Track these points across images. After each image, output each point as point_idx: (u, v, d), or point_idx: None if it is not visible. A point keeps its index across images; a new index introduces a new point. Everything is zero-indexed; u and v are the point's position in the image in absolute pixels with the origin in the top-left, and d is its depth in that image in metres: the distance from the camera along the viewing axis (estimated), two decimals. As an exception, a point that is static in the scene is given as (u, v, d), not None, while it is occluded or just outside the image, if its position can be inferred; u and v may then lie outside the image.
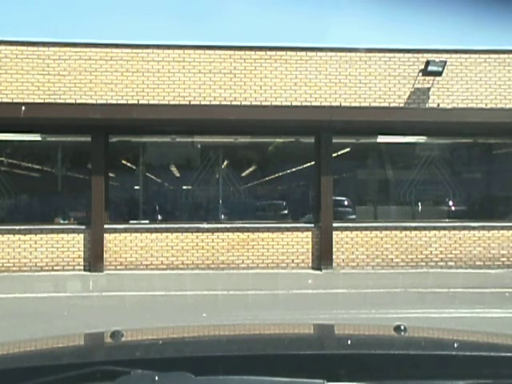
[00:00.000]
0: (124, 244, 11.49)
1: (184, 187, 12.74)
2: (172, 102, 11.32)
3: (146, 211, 12.52)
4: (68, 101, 11.13)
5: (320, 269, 11.58)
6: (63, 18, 32.87)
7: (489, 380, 1.46)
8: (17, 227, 11.30)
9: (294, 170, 12.90)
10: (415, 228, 11.99)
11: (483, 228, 12.06)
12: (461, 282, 10.40)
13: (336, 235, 11.75)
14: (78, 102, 11.14)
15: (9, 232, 11.27)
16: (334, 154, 12.03)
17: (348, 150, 12.76)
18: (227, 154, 12.73)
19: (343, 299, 8.62)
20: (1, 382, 1.41)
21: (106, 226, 11.42)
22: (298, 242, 11.76)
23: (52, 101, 11.07)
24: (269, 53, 11.60)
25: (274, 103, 11.47)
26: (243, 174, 12.92)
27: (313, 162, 12.13)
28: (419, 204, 12.92)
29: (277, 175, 13.05)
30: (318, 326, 2.58)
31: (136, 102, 11.27)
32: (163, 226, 11.75)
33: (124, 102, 11.24)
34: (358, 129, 11.78)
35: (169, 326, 2.36)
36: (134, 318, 6.57)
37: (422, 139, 12.64)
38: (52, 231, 11.43)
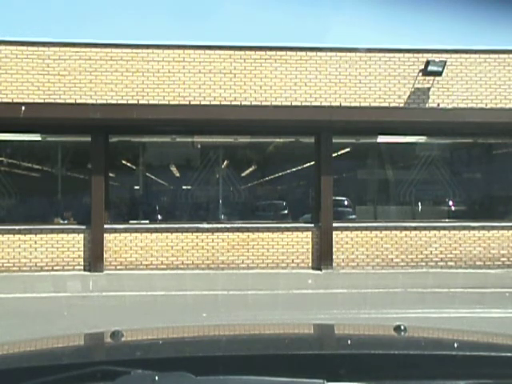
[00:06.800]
0: (124, 244, 11.49)
1: (184, 187, 12.73)
2: (172, 102, 11.32)
3: (146, 211, 12.51)
4: (68, 101, 11.13)
5: (320, 269, 11.58)
6: (63, 18, 32.86)
7: (489, 380, 1.46)
8: (17, 227, 11.30)
9: (294, 169, 12.89)
10: (415, 228, 11.99)
11: (483, 228, 12.06)
12: (461, 282, 10.39)
13: (336, 235, 11.75)
14: (77, 102, 11.13)
15: (9, 232, 11.27)
16: (334, 154, 12.02)
17: (348, 149, 12.76)
18: (227, 153, 12.73)
19: (343, 299, 8.62)
20: (1, 382, 1.41)
21: (105, 226, 11.42)
22: (297, 242, 11.76)
23: (52, 101, 11.07)
24: (269, 53, 11.60)
25: (274, 103, 11.47)
26: (243, 174, 12.92)
27: (313, 162, 12.13)
28: (419, 204, 12.91)
29: (277, 175, 13.05)
30: (318, 326, 2.58)
31: (136, 102, 11.27)
32: (163, 226, 11.74)
33: (124, 102, 11.24)
34: (358, 129, 11.78)
35: (169, 326, 2.35)
36: (134, 318, 6.56)
37: (421, 139, 12.64)
38: (52, 231, 11.43)
